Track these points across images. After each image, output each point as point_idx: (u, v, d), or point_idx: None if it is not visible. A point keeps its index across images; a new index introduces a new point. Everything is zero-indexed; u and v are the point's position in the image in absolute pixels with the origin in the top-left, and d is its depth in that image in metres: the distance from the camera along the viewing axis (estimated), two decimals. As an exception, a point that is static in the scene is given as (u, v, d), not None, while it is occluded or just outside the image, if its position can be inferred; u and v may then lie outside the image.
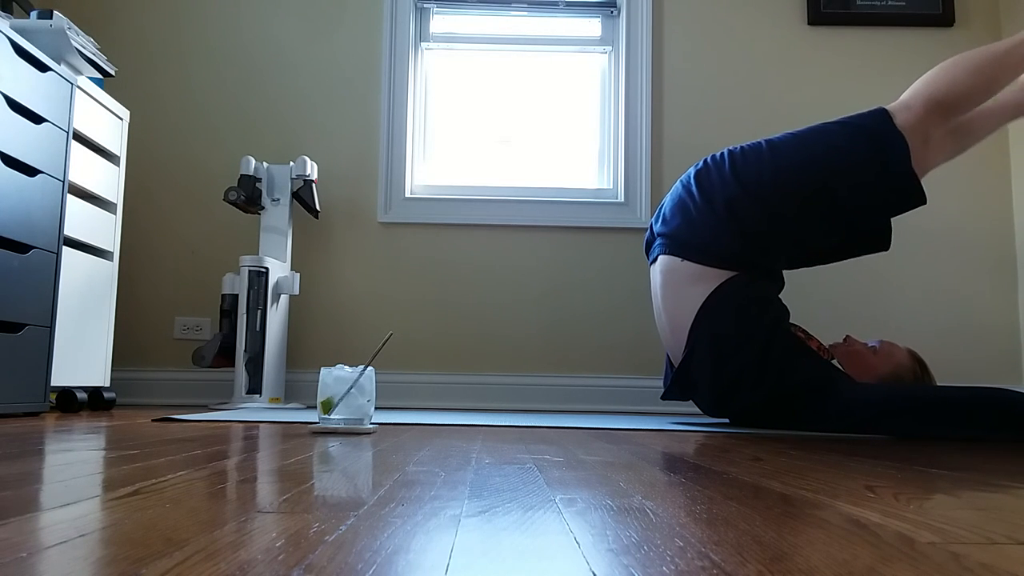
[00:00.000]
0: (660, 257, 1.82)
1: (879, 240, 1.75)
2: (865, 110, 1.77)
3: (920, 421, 1.51)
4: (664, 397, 1.91)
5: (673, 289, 1.78)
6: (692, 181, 1.80)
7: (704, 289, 1.73)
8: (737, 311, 1.70)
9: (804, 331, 1.85)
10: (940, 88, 1.70)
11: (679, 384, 1.82)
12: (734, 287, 1.71)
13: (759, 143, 1.79)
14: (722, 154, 1.81)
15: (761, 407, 1.70)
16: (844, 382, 1.63)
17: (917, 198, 1.67)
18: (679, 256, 1.77)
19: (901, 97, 1.76)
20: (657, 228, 1.86)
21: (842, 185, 1.68)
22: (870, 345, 1.90)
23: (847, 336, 1.92)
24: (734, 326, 1.69)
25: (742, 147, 1.80)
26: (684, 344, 1.78)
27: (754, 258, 1.73)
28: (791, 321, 1.83)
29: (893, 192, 1.68)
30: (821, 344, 1.84)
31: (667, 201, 1.88)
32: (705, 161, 1.83)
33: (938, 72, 1.73)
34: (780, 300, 1.78)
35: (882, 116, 1.70)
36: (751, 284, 1.72)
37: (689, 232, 1.76)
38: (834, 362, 1.78)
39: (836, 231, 1.73)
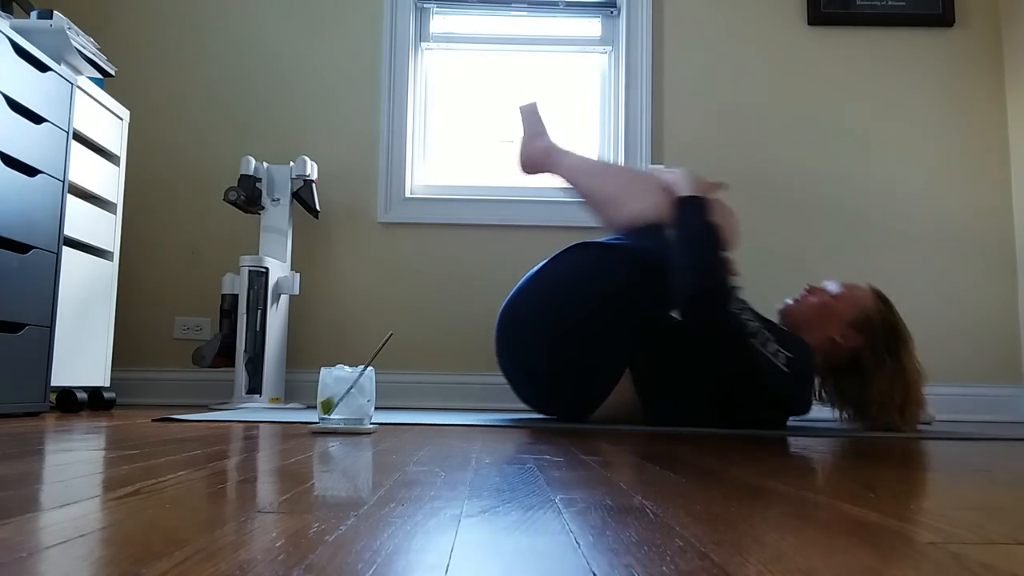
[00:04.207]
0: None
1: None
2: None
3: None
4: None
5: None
6: (509, 361, 1.83)
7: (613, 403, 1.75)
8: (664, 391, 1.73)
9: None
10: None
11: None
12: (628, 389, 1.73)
13: (524, 285, 1.82)
14: (508, 311, 1.82)
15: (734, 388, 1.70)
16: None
17: None
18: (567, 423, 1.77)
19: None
20: (523, 392, 1.85)
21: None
22: (830, 291, 1.85)
23: (809, 286, 1.88)
24: (675, 385, 1.72)
25: (511, 303, 1.82)
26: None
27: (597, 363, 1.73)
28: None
29: None
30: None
31: (503, 353, 1.85)
32: (499, 330, 1.84)
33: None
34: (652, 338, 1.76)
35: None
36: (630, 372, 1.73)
37: (549, 398, 1.78)
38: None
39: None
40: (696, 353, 1.69)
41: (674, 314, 1.74)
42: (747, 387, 1.66)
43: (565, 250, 1.84)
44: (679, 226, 1.72)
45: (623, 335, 1.71)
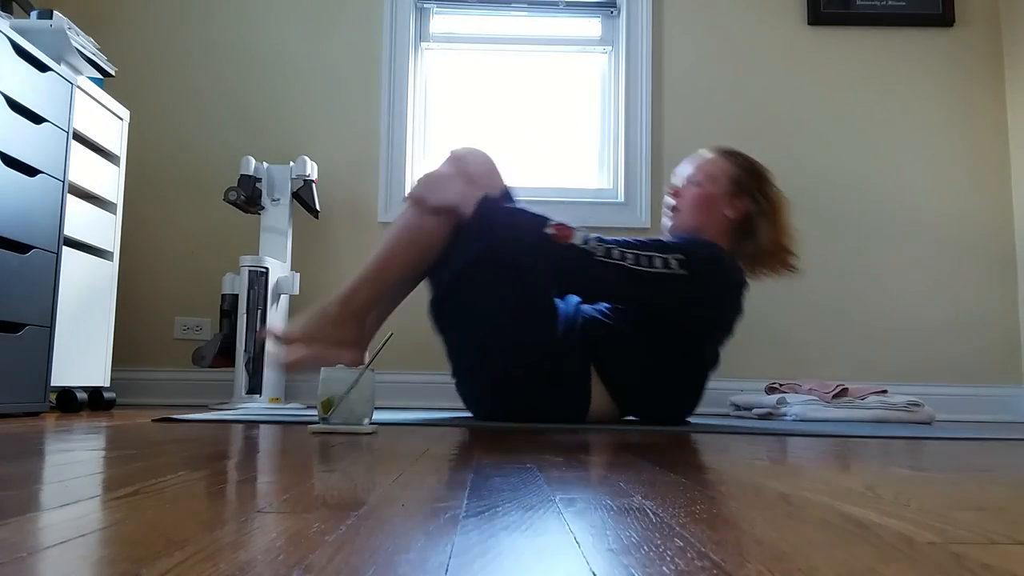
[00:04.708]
0: None
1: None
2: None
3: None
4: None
5: None
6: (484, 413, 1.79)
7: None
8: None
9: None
10: None
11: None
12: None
13: (462, 364, 1.80)
14: (466, 395, 1.82)
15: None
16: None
17: None
18: None
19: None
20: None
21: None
22: (688, 177, 1.83)
23: (669, 189, 1.86)
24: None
25: (466, 389, 1.80)
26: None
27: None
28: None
29: None
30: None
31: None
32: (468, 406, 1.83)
33: None
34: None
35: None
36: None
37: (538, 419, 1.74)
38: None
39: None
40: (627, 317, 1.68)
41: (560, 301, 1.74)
42: (670, 317, 1.65)
43: (436, 316, 1.75)
44: (499, 244, 1.64)
45: (555, 333, 1.68)
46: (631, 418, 1.82)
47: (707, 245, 1.70)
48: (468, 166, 1.70)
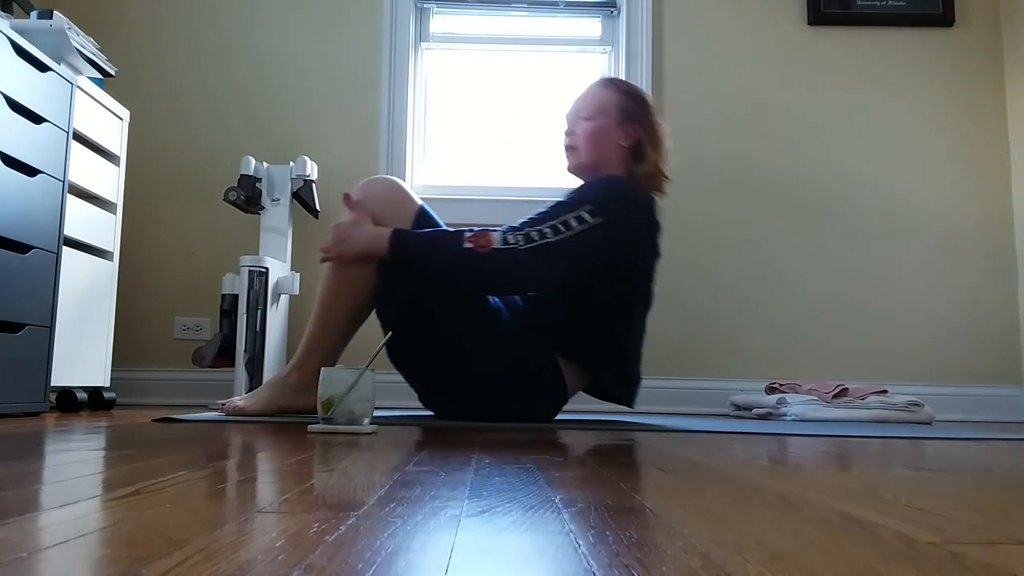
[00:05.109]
0: None
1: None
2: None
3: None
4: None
5: None
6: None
7: None
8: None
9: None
10: None
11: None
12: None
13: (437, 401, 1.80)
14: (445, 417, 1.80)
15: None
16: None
17: None
18: None
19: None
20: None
21: None
22: (578, 118, 1.83)
23: (566, 129, 1.85)
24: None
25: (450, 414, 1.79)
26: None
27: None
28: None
29: None
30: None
31: None
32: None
33: None
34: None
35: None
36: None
37: (527, 414, 1.75)
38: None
39: None
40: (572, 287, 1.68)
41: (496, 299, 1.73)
42: (607, 267, 1.65)
43: (392, 359, 1.74)
44: (424, 280, 1.64)
45: (508, 328, 1.69)
46: (616, 407, 1.82)
47: (605, 183, 1.68)
48: (370, 206, 1.67)
